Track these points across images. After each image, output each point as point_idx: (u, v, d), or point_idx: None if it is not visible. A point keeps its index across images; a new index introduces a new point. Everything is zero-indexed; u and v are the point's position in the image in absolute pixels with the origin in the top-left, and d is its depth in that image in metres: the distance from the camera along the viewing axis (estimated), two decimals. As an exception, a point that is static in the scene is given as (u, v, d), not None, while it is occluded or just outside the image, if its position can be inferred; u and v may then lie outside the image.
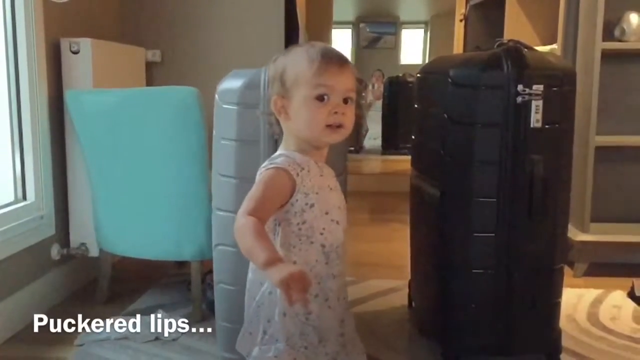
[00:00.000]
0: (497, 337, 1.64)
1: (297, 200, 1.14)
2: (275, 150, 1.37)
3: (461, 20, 4.39)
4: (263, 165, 1.17)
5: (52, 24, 2.20)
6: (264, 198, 1.11)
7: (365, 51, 9.44)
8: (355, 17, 9.53)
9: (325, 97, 1.13)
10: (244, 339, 1.22)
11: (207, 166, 1.90)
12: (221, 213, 1.64)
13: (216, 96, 1.61)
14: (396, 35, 9.61)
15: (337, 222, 1.20)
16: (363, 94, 6.64)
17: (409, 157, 2.07)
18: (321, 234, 1.17)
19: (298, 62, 1.16)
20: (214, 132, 1.66)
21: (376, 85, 7.35)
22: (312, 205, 1.15)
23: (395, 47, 9.59)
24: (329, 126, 1.14)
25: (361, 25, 9.59)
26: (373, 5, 9.28)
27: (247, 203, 1.10)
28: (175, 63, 2.91)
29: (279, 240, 1.17)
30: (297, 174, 1.13)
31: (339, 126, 1.15)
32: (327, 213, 1.18)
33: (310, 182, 1.15)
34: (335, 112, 1.14)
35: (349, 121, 1.16)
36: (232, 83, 1.59)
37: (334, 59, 1.15)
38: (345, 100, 1.15)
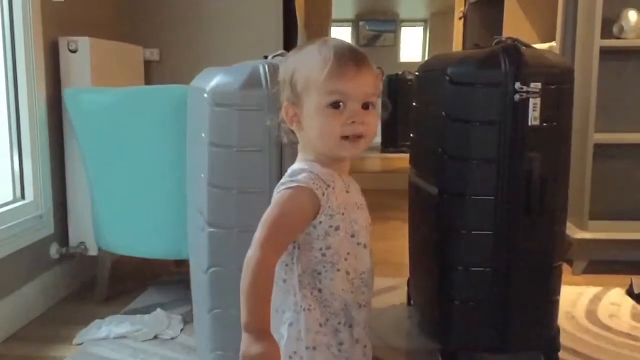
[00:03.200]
0: (496, 335, 1.64)
1: (320, 223, 0.99)
2: (281, 157, 1.29)
3: (460, 18, 4.39)
4: (282, 181, 1.00)
5: (50, 22, 2.20)
6: (283, 224, 0.97)
7: (365, 49, 9.37)
8: (354, 14, 9.52)
9: (341, 104, 0.98)
10: None
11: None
12: (214, 230, 1.45)
13: (205, 96, 1.42)
14: (396, 33, 9.60)
15: (365, 246, 1.05)
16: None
17: (408, 155, 2.07)
18: (345, 259, 1.02)
19: (308, 63, 1.00)
20: (198, 134, 1.47)
21: (375, 83, 7.33)
22: (337, 228, 1.01)
23: (394, 45, 9.58)
24: (345, 137, 0.98)
25: (361, 23, 9.58)
26: (372, 2, 9.27)
27: (263, 230, 0.95)
28: (173, 61, 2.91)
29: (299, 267, 1.02)
30: (323, 193, 0.98)
31: (359, 136, 0.99)
32: (353, 236, 1.03)
33: (336, 201, 1.00)
34: (353, 122, 0.98)
35: (370, 130, 1.00)
36: (226, 80, 1.41)
37: (349, 59, 0.99)
38: (366, 106, 1.00)
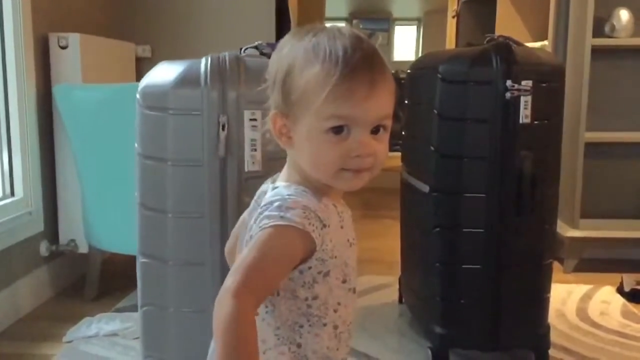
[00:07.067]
0: (486, 333, 1.64)
1: (309, 268, 0.79)
2: (224, 173, 1.12)
3: (453, 17, 4.39)
4: (268, 214, 0.75)
5: (40, 18, 2.18)
6: (268, 269, 0.74)
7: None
8: (348, 13, 9.51)
9: (345, 128, 0.75)
10: None
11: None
12: (147, 261, 1.21)
13: (137, 97, 1.19)
14: (389, 31, 9.60)
15: (354, 291, 0.86)
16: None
17: (399, 153, 2.06)
18: (335, 310, 0.82)
19: (307, 68, 0.75)
20: (135, 145, 1.24)
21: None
22: (326, 274, 0.80)
23: (388, 44, 9.58)
24: (345, 169, 0.77)
25: (354, 21, 9.58)
26: (366, 1, 9.27)
27: (243, 274, 0.71)
28: (165, 58, 2.82)
29: (275, 317, 0.81)
30: (319, 234, 0.77)
31: (363, 170, 0.78)
32: (344, 281, 0.83)
33: (330, 242, 0.79)
34: (358, 155, 0.76)
35: (378, 161, 0.78)
36: (157, 79, 1.16)
37: (362, 71, 0.74)
38: (376, 130, 0.78)
